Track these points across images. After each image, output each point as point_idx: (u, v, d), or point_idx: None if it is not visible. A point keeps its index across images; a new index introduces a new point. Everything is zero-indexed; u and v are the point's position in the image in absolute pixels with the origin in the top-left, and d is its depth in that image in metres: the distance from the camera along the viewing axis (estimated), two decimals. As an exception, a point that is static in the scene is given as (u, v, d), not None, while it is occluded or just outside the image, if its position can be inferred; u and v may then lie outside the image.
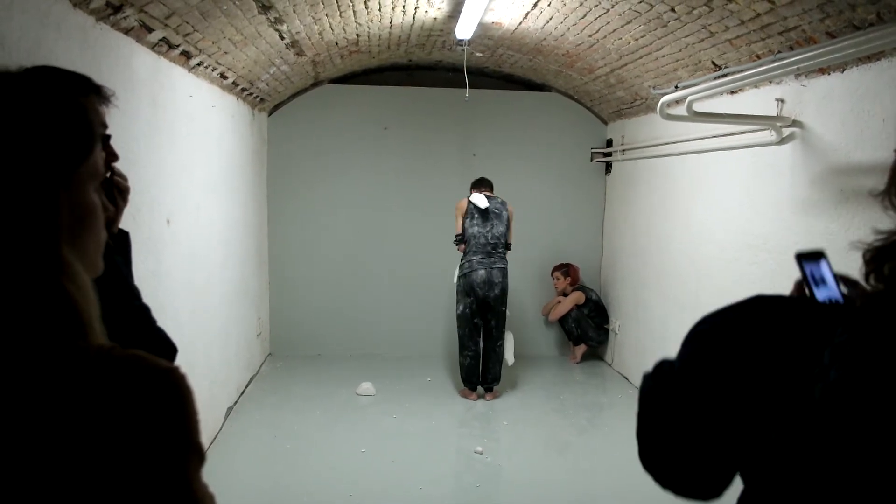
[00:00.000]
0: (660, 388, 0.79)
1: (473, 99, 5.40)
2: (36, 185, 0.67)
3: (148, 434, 0.65)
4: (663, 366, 0.81)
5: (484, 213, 4.86)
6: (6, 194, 0.66)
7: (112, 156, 1.37)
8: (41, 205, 0.67)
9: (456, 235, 4.97)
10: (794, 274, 0.89)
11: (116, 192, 1.36)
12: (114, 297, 1.22)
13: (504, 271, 4.83)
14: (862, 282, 0.66)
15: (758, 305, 0.75)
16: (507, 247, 4.93)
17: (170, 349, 1.36)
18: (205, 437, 4.22)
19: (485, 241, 4.81)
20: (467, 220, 4.90)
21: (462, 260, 4.91)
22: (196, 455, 0.70)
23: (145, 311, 1.35)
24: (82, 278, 0.70)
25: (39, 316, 0.66)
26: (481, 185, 5.04)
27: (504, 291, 4.83)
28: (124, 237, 1.46)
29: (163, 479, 0.66)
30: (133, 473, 0.64)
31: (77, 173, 0.71)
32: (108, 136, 1.36)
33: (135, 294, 1.35)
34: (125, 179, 1.39)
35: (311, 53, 4.55)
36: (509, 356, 5.11)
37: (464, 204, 4.94)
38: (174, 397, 0.69)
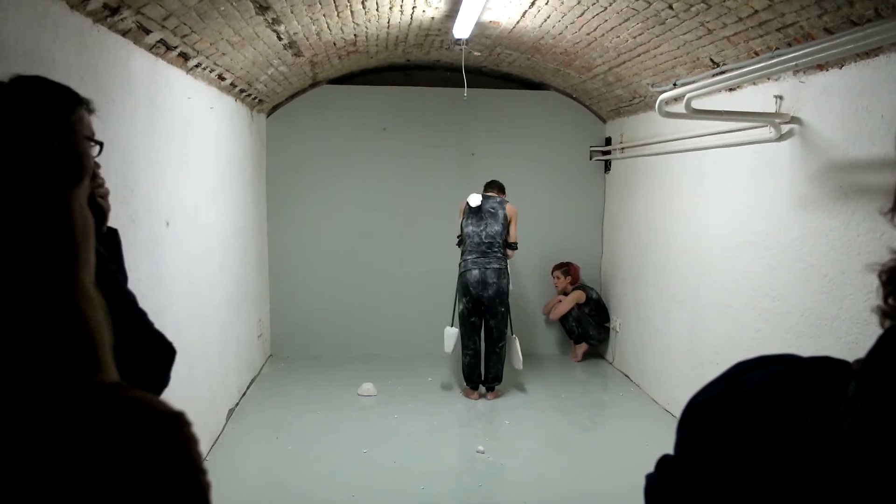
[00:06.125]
0: (664, 481, 0.75)
1: (472, 98, 5.40)
2: (49, 199, 0.62)
3: (148, 487, 0.60)
4: (665, 458, 0.76)
5: (477, 212, 4.87)
6: (23, 202, 0.61)
7: (96, 164, 1.37)
8: (57, 219, 0.62)
9: (457, 237, 4.98)
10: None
11: (99, 198, 1.37)
12: (111, 305, 1.24)
13: (499, 271, 4.80)
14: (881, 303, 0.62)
15: (752, 379, 0.69)
16: (511, 246, 4.93)
17: (168, 351, 1.37)
18: (206, 440, 4.19)
19: (479, 241, 4.82)
20: (464, 220, 4.92)
21: (460, 260, 4.92)
22: None
23: (142, 316, 1.35)
24: (97, 297, 0.66)
25: (53, 343, 0.60)
26: (488, 186, 5.06)
27: (500, 292, 4.79)
28: (113, 235, 1.46)
29: None
30: None
31: (77, 187, 0.67)
32: (101, 144, 1.36)
33: (131, 300, 1.35)
34: (103, 182, 1.40)
35: (309, 54, 4.54)
36: (516, 361, 5.02)
37: (464, 205, 4.96)
38: (178, 448, 0.62)
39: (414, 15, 4.20)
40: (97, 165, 1.37)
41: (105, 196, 1.39)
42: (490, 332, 4.91)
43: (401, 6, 3.97)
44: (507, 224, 4.89)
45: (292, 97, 5.73)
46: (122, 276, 1.43)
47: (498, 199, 4.94)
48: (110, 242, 1.44)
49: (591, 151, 6.07)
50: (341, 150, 5.86)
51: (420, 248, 5.98)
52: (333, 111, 5.81)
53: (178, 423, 0.63)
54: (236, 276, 4.65)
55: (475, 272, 4.78)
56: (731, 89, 3.72)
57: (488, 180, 5.13)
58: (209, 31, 3.18)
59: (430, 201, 5.93)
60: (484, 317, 4.90)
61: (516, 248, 4.97)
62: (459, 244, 4.98)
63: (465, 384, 5.00)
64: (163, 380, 1.34)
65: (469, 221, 4.89)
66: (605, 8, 3.55)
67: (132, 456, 0.59)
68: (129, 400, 0.62)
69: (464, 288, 4.83)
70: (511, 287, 4.98)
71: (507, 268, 4.87)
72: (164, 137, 3.18)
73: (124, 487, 0.58)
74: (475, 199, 4.88)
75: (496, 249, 4.83)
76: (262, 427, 4.37)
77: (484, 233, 4.83)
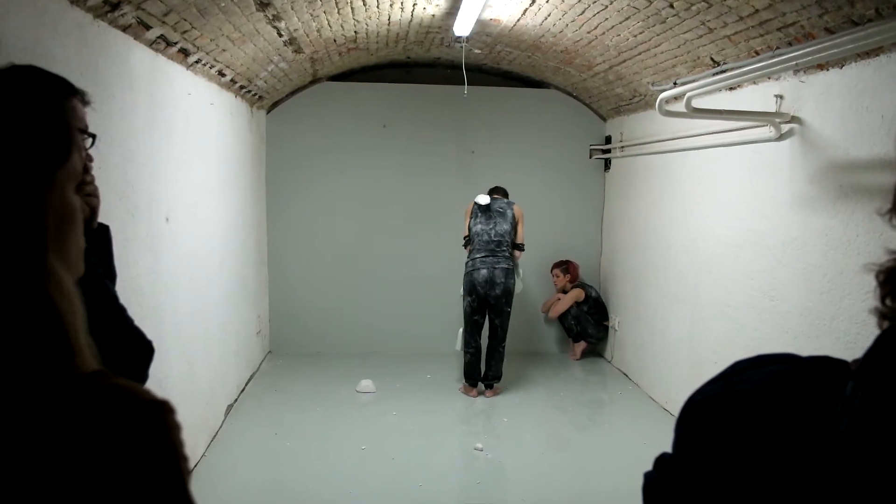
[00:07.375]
0: (662, 479, 0.75)
1: (472, 96, 5.39)
2: (21, 185, 0.61)
3: (130, 475, 0.59)
4: (663, 457, 0.76)
5: (486, 211, 4.87)
6: None
7: (88, 157, 1.34)
8: (27, 206, 0.61)
9: (464, 237, 4.99)
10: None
11: (87, 196, 1.34)
12: (90, 298, 1.22)
13: (507, 271, 4.81)
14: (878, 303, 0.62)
15: (750, 378, 0.69)
16: (518, 246, 4.94)
17: (147, 349, 1.34)
18: (205, 436, 4.18)
19: (488, 239, 4.82)
20: (472, 220, 4.93)
21: (467, 259, 4.92)
22: (182, 499, 0.62)
23: (121, 311, 1.33)
24: (68, 286, 0.65)
25: (24, 331, 0.59)
26: (493, 191, 5.08)
27: (507, 291, 4.82)
28: (104, 231, 1.44)
29: None
30: None
31: (58, 173, 0.66)
32: (94, 136, 1.34)
33: (111, 295, 1.32)
34: (92, 179, 1.38)
35: (309, 51, 4.54)
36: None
37: (471, 206, 4.98)
38: (161, 434, 0.61)
39: (414, 12, 4.20)
40: (90, 158, 1.35)
41: (94, 194, 1.36)
42: (495, 331, 4.92)
43: (401, 3, 3.97)
44: (515, 224, 4.90)
45: (292, 94, 5.72)
46: (107, 271, 1.41)
47: (506, 200, 4.97)
48: (100, 238, 1.42)
49: (591, 150, 6.07)
50: (341, 147, 5.86)
51: (419, 245, 5.98)
52: (333, 108, 5.81)
53: (161, 410, 0.62)
54: (236, 272, 4.66)
55: (483, 271, 4.78)
56: (731, 88, 3.72)
57: (492, 186, 5.13)
58: (209, 27, 3.18)
59: (430, 199, 5.93)
60: (488, 315, 4.91)
61: (523, 249, 4.98)
62: (466, 245, 4.98)
63: (464, 381, 5.01)
64: (140, 377, 1.31)
65: (477, 220, 4.89)
66: (606, 6, 3.54)
67: (116, 442, 0.59)
68: (113, 387, 0.62)
69: (470, 286, 4.83)
70: (518, 289, 5.00)
71: (513, 268, 4.88)
72: (164, 133, 3.18)
73: (107, 472, 0.58)
74: (483, 199, 4.88)
75: (504, 249, 4.84)
76: (260, 423, 4.38)
77: (493, 231, 4.83)
